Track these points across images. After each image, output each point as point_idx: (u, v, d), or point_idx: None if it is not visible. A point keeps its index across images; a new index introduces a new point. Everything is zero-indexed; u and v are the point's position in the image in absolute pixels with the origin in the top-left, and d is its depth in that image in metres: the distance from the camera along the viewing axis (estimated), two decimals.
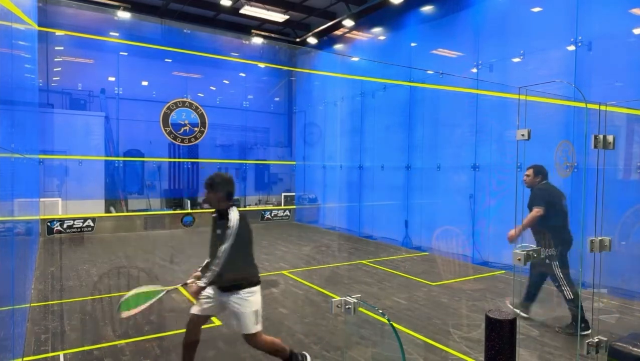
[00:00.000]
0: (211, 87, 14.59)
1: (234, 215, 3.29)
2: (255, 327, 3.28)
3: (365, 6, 11.45)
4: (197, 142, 13.23)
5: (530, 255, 2.50)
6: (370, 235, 11.35)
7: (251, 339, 3.32)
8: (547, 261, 4.70)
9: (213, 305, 3.39)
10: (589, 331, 4.43)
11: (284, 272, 7.24)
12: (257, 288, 3.35)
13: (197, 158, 13.56)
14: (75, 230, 10.97)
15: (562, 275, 4.65)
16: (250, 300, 3.27)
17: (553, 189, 4.98)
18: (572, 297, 4.58)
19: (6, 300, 3.14)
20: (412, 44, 10.13)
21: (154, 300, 3.39)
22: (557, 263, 4.67)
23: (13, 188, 3.70)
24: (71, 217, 10.95)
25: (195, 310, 3.42)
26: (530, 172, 5.09)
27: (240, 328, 3.31)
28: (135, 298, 3.33)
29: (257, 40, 14.34)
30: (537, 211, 4.71)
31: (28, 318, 5.02)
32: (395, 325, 4.89)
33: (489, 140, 8.17)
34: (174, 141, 12.88)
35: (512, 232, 4.79)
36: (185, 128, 12.97)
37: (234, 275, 3.28)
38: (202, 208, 13.35)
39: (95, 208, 11.68)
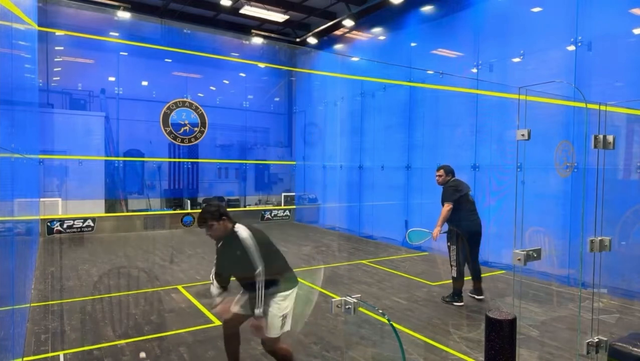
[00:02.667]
0: (211, 87, 14.59)
1: (242, 232, 3.24)
2: (279, 331, 3.26)
3: (365, 6, 11.45)
4: (197, 142, 13.23)
5: (530, 255, 2.50)
6: (370, 235, 11.35)
7: (268, 341, 3.29)
8: (448, 243, 5.69)
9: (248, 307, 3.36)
10: (462, 304, 5.58)
11: None
12: (289, 293, 3.31)
13: (197, 158, 13.56)
14: (75, 230, 10.97)
15: (453, 257, 5.58)
16: (282, 304, 3.25)
17: (460, 184, 5.78)
18: (455, 276, 5.58)
19: (6, 300, 3.14)
20: (412, 44, 10.13)
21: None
22: (453, 246, 5.59)
23: (13, 188, 3.70)
24: (71, 217, 10.95)
25: (233, 308, 3.39)
26: (441, 172, 5.88)
27: (267, 329, 3.24)
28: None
29: (257, 40, 14.34)
30: (447, 206, 5.60)
31: (28, 318, 5.02)
32: (395, 325, 4.89)
33: (489, 140, 8.17)
34: (174, 141, 12.88)
35: (435, 231, 5.61)
36: (185, 128, 12.97)
37: (270, 280, 3.20)
38: (202, 208, 13.34)
39: (95, 208, 11.68)
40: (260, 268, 3.10)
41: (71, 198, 11.36)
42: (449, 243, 5.69)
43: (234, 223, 3.34)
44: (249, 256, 3.13)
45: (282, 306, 3.24)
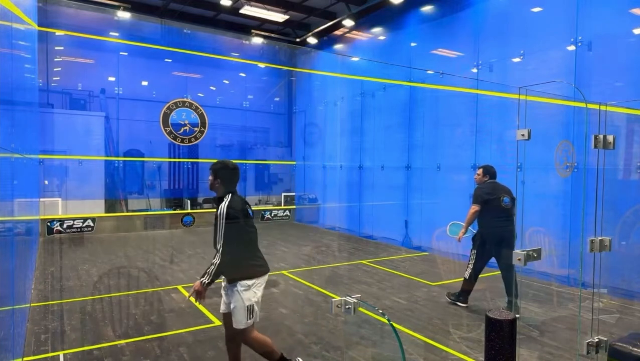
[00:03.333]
0: (211, 87, 14.59)
1: (224, 201, 3.22)
2: (246, 322, 3.18)
3: (365, 6, 11.45)
4: (197, 142, 13.23)
5: (530, 255, 2.50)
6: (370, 235, 11.35)
7: (239, 334, 3.25)
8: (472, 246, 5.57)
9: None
10: (465, 305, 5.57)
11: (284, 272, 7.24)
12: (253, 282, 3.21)
13: (197, 158, 13.56)
14: (75, 230, 10.97)
15: (471, 258, 5.51)
16: (244, 294, 3.16)
17: (493, 187, 5.51)
18: (467, 277, 5.50)
19: (6, 300, 3.14)
20: (412, 44, 10.13)
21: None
22: (473, 250, 5.50)
23: (13, 188, 3.70)
24: (71, 217, 10.95)
25: (221, 308, 3.39)
26: (480, 171, 5.69)
27: (233, 321, 3.21)
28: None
29: (257, 40, 14.34)
30: (472, 208, 5.45)
31: (28, 318, 5.02)
32: (395, 325, 4.89)
33: (489, 140, 8.17)
34: (174, 141, 12.88)
35: (460, 233, 5.53)
36: (185, 128, 12.97)
37: (231, 267, 3.17)
38: (202, 208, 13.36)
39: (95, 208, 11.68)
40: (221, 243, 3.09)
41: (71, 198, 11.36)
42: (472, 246, 5.58)
43: (229, 192, 3.29)
44: (217, 228, 3.13)
45: (246, 297, 3.15)
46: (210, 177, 3.38)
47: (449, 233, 6.00)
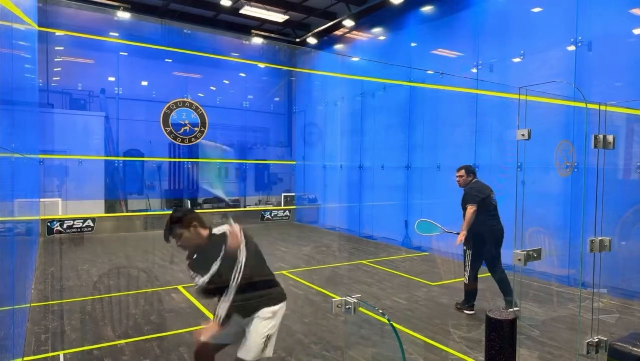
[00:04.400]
0: (211, 87, 14.59)
1: (226, 229, 2.71)
2: (259, 356, 2.67)
3: (365, 6, 11.45)
4: (197, 142, 13.23)
5: (530, 255, 2.50)
6: (370, 235, 11.35)
7: None
8: (464, 247, 5.37)
9: (232, 334, 2.82)
10: (473, 312, 5.33)
11: (284, 272, 7.24)
12: (277, 309, 2.77)
13: (197, 158, 13.56)
14: (75, 230, 10.97)
15: (468, 261, 5.31)
16: (266, 323, 2.70)
17: (482, 186, 5.43)
18: (467, 282, 5.34)
19: (6, 300, 3.14)
20: (412, 44, 10.13)
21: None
22: (469, 251, 5.30)
23: (13, 188, 3.70)
24: (71, 217, 10.95)
25: (204, 337, 2.80)
26: (462, 172, 5.49)
27: (239, 350, 2.68)
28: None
29: (257, 40, 14.34)
30: (471, 208, 5.21)
31: (28, 318, 5.02)
32: (395, 325, 4.89)
33: (489, 140, 8.17)
34: (174, 141, 12.88)
35: (461, 236, 5.26)
36: (185, 128, 12.97)
37: (258, 293, 2.75)
38: (202, 208, 13.36)
39: (95, 208, 11.68)
40: (242, 258, 2.60)
41: (71, 198, 11.36)
42: (464, 247, 5.40)
43: (210, 228, 2.81)
44: (241, 253, 2.64)
45: (268, 325, 2.71)
46: (181, 232, 2.75)
47: (418, 231, 5.85)
